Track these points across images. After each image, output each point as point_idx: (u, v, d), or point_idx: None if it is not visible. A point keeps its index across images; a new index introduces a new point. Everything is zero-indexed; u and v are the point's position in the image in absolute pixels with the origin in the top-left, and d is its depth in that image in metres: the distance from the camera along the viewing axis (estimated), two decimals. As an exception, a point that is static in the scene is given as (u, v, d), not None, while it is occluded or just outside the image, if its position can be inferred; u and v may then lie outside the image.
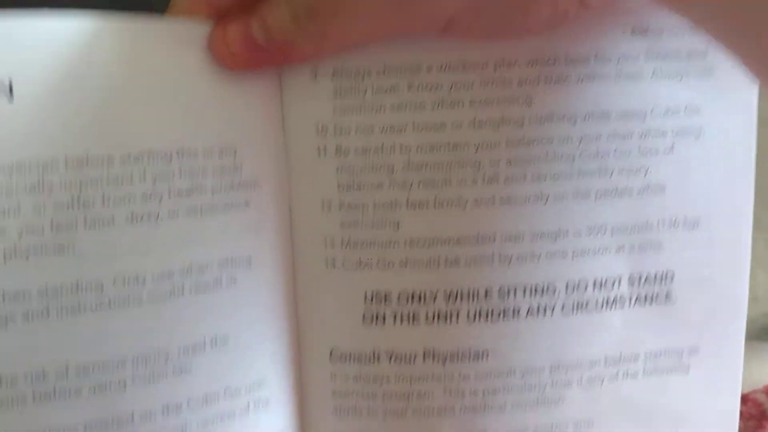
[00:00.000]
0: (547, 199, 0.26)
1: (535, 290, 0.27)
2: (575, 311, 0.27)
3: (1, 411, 0.22)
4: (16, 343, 0.23)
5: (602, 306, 0.27)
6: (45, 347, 0.23)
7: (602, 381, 0.28)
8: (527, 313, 0.27)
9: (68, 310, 0.23)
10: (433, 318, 0.27)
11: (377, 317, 0.27)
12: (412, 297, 0.27)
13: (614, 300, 0.27)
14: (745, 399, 0.37)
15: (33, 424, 0.23)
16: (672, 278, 0.28)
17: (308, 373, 0.28)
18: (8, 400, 0.23)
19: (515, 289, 0.27)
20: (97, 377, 0.23)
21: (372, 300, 0.27)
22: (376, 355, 0.27)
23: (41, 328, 0.23)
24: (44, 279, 0.23)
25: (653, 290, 0.28)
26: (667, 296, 0.28)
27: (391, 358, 0.27)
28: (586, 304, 0.27)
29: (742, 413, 0.31)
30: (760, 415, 0.39)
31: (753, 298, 0.29)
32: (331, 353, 0.27)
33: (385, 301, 0.27)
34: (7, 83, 0.22)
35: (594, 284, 0.27)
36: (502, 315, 0.27)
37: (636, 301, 0.28)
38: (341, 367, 0.27)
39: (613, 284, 0.27)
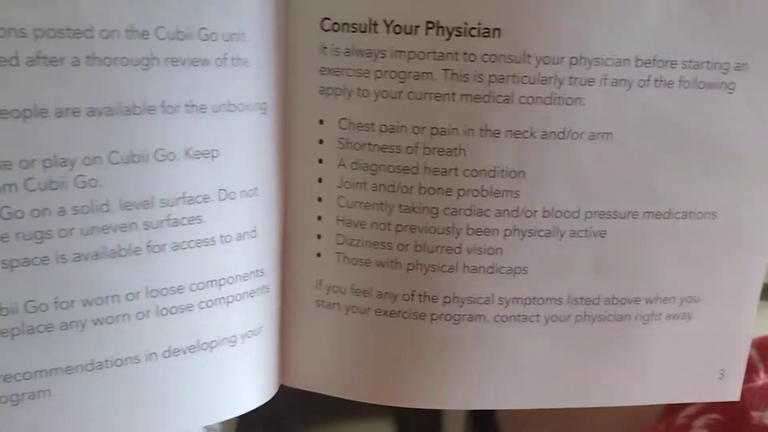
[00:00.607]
0: None
1: (563, -42, 0.23)
2: (607, -9, 0.23)
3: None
4: None
5: (639, -10, 0.23)
6: None
7: (629, 85, 0.24)
8: (551, -15, 0.23)
9: None
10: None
11: (377, -22, 0.23)
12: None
13: (655, -16, 0.23)
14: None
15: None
16: (727, -33, 0.23)
17: (295, 40, 0.25)
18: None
19: (539, -45, 0.23)
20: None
21: (373, -42, 0.23)
22: (372, 23, 0.24)
23: None
24: None
25: (703, -21, 0.23)
26: (719, -10, 0.24)
27: (389, 28, 0.24)
28: (621, -15, 0.23)
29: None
30: (749, 368, 0.36)
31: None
32: (322, 21, 0.24)
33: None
34: None
35: (633, -39, 0.23)
36: (521, -16, 0.23)
37: (681, -9, 0.23)
38: (332, 37, 0.24)
39: (656, -36, 0.23)
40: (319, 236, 0.26)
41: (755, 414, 0.35)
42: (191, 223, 0.24)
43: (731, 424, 0.36)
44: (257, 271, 0.26)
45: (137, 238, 0.24)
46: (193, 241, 0.24)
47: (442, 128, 0.24)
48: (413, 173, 0.25)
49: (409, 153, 0.25)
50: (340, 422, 0.45)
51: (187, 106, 0.23)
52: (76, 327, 0.23)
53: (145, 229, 0.24)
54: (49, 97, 0.22)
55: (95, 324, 0.24)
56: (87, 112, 0.22)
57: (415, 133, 0.25)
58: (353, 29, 0.24)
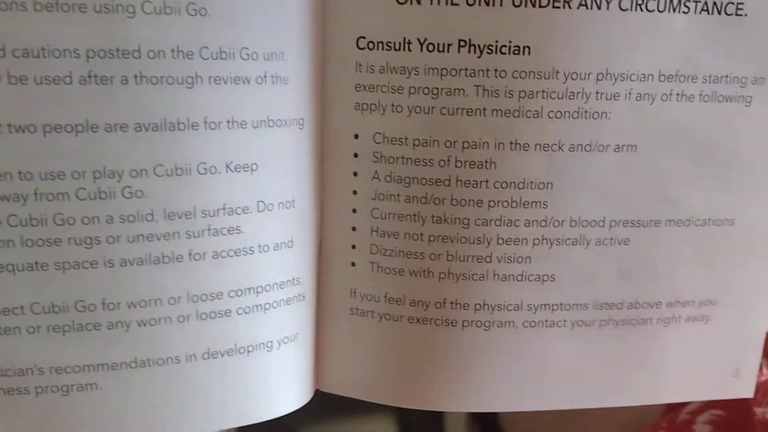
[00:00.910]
0: None
1: (591, -23, 0.23)
2: (634, 8, 0.23)
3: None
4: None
5: (664, 8, 0.23)
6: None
7: (653, 99, 0.24)
8: (580, 3, 0.23)
9: None
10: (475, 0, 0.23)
11: (412, -2, 0.23)
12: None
13: (678, 1, 0.23)
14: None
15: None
16: (747, -14, 0.23)
17: (331, 58, 0.24)
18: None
19: (568, -26, 0.23)
20: (104, -5, 0.21)
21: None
22: (406, 42, 0.24)
23: None
24: None
25: (723, -3, 0.24)
26: (738, 9, 0.24)
27: (422, 46, 0.24)
28: (647, 2, 0.23)
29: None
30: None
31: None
32: (357, 39, 0.24)
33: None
34: None
35: (658, -20, 0.23)
36: (551, 2, 0.23)
37: (702, 8, 0.23)
38: (367, 55, 0.24)
39: (679, -17, 0.23)
40: (353, 246, 0.26)
41: (758, 410, 0.35)
42: (231, 233, 0.24)
43: (734, 419, 0.35)
44: (294, 279, 0.26)
45: (180, 246, 0.24)
46: (232, 250, 0.24)
47: (474, 142, 0.24)
48: (445, 185, 0.25)
49: (442, 166, 0.25)
50: (343, 420, 0.45)
51: (228, 122, 0.23)
52: (122, 327, 0.24)
53: (187, 238, 0.24)
54: (99, 113, 0.22)
55: (139, 325, 0.24)
56: (134, 127, 0.22)
57: (447, 147, 0.24)
58: (388, 47, 0.24)
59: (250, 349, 0.25)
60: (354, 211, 0.26)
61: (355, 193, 0.26)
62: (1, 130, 0.21)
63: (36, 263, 0.22)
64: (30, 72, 0.21)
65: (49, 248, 0.22)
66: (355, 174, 0.25)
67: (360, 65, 0.24)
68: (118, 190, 0.22)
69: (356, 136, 0.25)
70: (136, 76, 0.22)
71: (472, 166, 0.25)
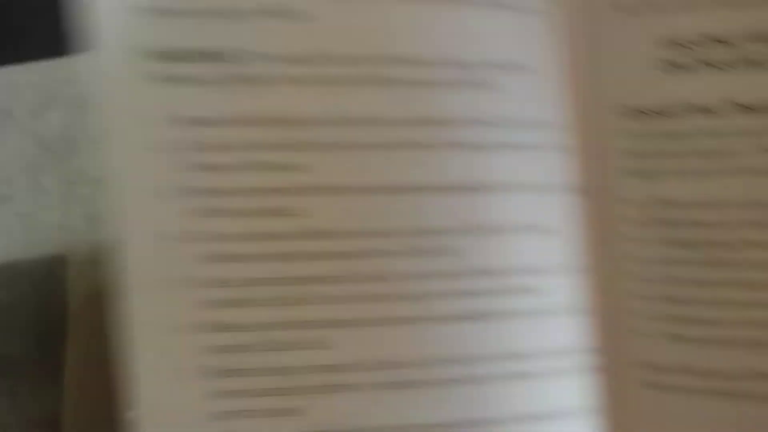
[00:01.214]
0: None
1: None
2: None
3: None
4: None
5: None
6: None
7: None
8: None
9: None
10: (741, 64, 0.24)
11: (673, 65, 0.24)
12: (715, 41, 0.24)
13: None
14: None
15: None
16: None
17: (603, 126, 0.25)
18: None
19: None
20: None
21: (668, 46, 0.24)
22: (677, 108, 0.24)
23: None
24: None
25: None
26: None
27: (692, 111, 0.24)
28: None
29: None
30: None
31: None
32: (626, 108, 0.25)
33: (683, 45, 0.24)
34: None
35: None
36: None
37: None
38: (635, 122, 0.25)
39: None
40: (645, 315, 0.25)
41: None
42: (526, 295, 0.24)
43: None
44: (584, 347, 0.25)
45: (481, 303, 0.24)
46: (526, 311, 0.24)
47: (762, 201, 0.24)
48: (737, 249, 0.24)
49: (730, 228, 0.24)
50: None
51: (520, 185, 0.24)
52: (440, 386, 0.23)
53: (487, 296, 0.24)
54: (418, 176, 0.23)
55: (456, 384, 0.23)
56: (446, 187, 0.24)
57: (733, 208, 0.24)
58: (655, 114, 0.24)
59: (547, 415, 0.24)
60: (644, 279, 0.25)
61: (643, 260, 0.25)
62: (331, 192, 0.23)
63: (361, 319, 0.23)
64: (358, 139, 0.23)
65: (375, 305, 0.23)
66: (642, 241, 0.25)
67: (631, 133, 0.25)
68: (433, 248, 0.23)
69: (635, 202, 0.25)
70: (446, 143, 0.24)
71: (761, 227, 0.24)
